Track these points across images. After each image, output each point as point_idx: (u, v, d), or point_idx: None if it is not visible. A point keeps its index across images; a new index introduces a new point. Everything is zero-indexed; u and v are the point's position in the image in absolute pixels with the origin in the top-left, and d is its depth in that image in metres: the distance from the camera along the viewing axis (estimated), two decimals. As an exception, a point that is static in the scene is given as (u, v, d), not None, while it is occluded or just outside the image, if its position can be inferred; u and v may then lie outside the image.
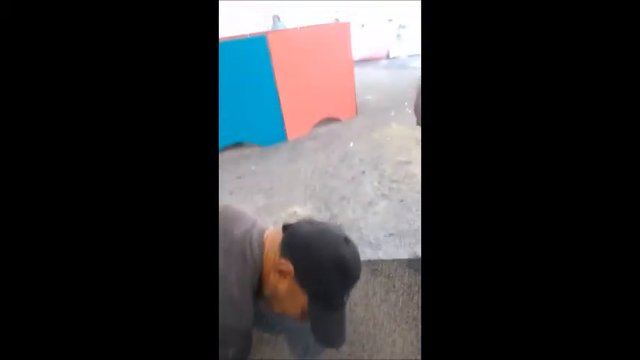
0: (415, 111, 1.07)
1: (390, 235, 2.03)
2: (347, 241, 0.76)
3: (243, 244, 0.73)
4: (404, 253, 1.85)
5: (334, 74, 4.21)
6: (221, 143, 3.83)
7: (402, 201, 2.39)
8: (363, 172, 2.92)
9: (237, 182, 2.99)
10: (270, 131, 3.89)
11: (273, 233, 0.79)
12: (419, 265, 0.79)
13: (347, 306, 0.78)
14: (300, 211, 2.40)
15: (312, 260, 0.71)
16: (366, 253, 1.87)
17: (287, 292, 0.74)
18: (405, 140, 3.57)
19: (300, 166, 3.15)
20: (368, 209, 2.32)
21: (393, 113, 4.59)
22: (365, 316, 0.81)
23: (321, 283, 0.72)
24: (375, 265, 0.82)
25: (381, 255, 1.87)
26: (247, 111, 3.74)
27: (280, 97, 3.76)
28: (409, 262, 0.79)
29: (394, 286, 0.81)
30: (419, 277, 0.80)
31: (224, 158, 3.68)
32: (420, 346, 0.74)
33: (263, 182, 2.93)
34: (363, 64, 9.27)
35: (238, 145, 3.93)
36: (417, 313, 0.77)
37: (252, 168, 3.33)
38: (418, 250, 1.87)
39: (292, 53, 3.71)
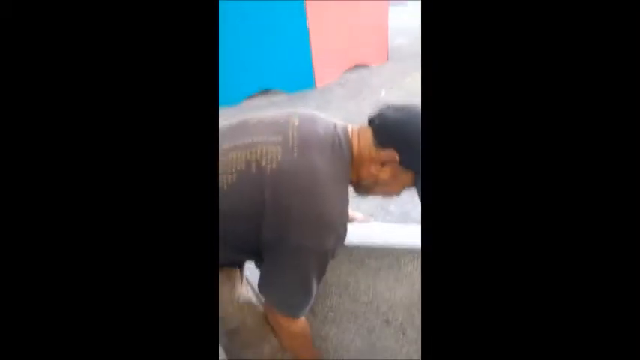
0: None
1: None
2: None
3: (333, 139, 0.76)
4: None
5: (367, 16, 3.86)
6: (247, 90, 3.68)
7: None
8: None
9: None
10: (298, 77, 3.68)
11: (358, 129, 0.81)
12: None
13: (417, 294, 0.85)
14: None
15: (416, 143, 0.73)
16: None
17: (391, 178, 0.78)
18: (441, 87, 3.33)
19: (330, 114, 2.98)
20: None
21: (426, 58, 4.26)
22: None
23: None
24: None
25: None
26: (275, 55, 3.52)
27: (311, 40, 3.49)
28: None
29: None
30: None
31: (251, 106, 3.56)
32: None
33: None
34: (393, 3, 8.53)
35: (264, 92, 3.76)
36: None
37: (281, 115, 3.20)
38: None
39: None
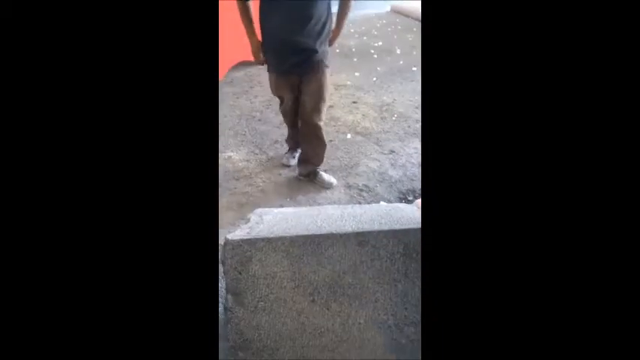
0: None
1: (325, 170, 2.11)
2: None
3: None
4: (337, 185, 1.95)
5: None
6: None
7: (330, 141, 2.43)
8: (290, 116, 2.80)
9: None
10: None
11: None
12: (402, 236, 0.89)
13: (337, 273, 0.88)
14: (234, 155, 2.22)
15: None
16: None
17: None
18: (324, 85, 3.48)
19: (225, 112, 2.87)
20: (301, 150, 2.32)
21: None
22: (353, 282, 0.88)
23: None
24: (363, 236, 0.88)
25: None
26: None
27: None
28: (393, 233, 0.83)
29: (379, 255, 0.89)
30: (401, 246, 0.90)
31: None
32: (397, 300, 0.87)
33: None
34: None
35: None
36: (398, 276, 0.88)
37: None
38: (350, 181, 2.03)
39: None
